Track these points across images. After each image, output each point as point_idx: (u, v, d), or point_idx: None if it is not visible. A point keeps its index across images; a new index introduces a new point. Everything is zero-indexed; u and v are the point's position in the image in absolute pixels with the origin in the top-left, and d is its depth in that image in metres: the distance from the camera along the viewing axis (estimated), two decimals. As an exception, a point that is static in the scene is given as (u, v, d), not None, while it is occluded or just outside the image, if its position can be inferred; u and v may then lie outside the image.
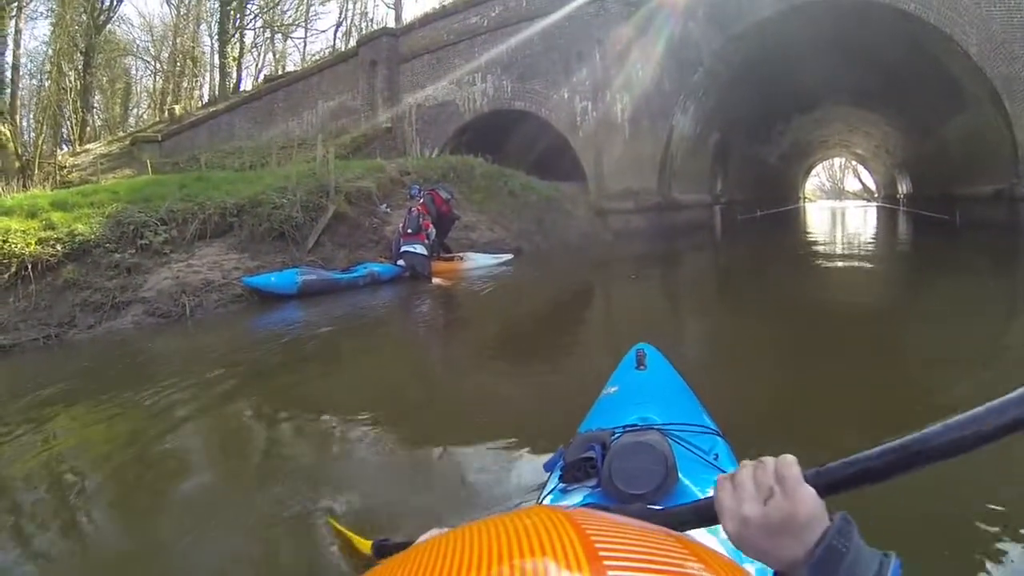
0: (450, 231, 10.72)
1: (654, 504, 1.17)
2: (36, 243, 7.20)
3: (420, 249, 9.27)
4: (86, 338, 6.63)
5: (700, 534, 0.77)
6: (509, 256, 11.20)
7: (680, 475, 1.28)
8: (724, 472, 1.16)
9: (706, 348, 5.31)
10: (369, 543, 1.84)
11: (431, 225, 9.54)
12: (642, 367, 2.11)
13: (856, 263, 10.40)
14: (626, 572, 0.44)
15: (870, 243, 15.00)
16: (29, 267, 6.97)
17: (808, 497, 0.64)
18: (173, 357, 5.85)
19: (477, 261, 10.58)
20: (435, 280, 9.11)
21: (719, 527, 0.72)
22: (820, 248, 13.63)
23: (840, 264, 10.46)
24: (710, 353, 5.05)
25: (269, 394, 4.26)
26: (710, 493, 1.10)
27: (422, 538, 0.64)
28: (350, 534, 2.05)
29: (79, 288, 7.11)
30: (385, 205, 11.04)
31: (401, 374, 4.94)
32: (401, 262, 9.34)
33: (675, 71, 15.39)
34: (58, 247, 7.33)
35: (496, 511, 2.31)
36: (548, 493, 1.43)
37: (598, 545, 0.47)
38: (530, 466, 2.67)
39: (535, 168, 16.64)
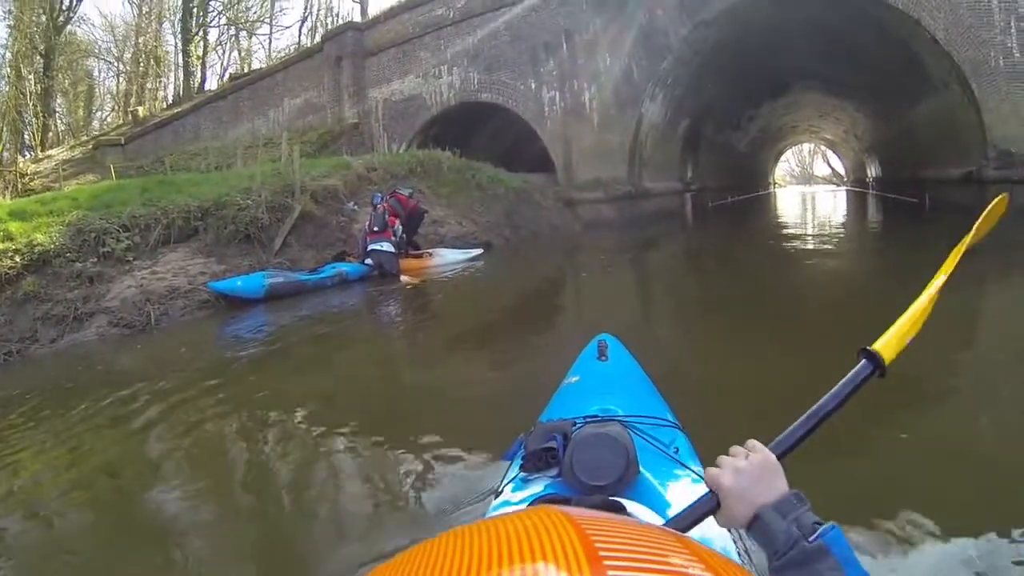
0: (420, 227, 10.69)
1: (615, 495, 1.19)
2: (-7, 256, 7.06)
3: (387, 247, 9.23)
4: (48, 353, 6.49)
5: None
6: (478, 251, 11.16)
7: (641, 467, 1.29)
8: (684, 465, 1.47)
9: (669, 340, 5.33)
10: None
11: (397, 222, 9.51)
12: (604, 358, 2.11)
13: (826, 248, 10.45)
14: (626, 572, 0.44)
15: (840, 227, 15.01)
16: (-13, 281, 6.82)
17: (772, 455, 0.91)
18: (138, 369, 5.70)
19: (446, 257, 10.54)
20: (403, 278, 9.05)
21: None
22: (790, 233, 13.65)
23: (810, 249, 10.51)
24: (673, 345, 5.08)
25: (234, 401, 4.20)
26: (670, 487, 1.35)
27: None
28: None
29: (40, 301, 6.96)
30: (352, 203, 10.96)
31: (367, 374, 4.94)
32: (369, 260, 9.29)
33: (644, 59, 15.35)
34: (16, 259, 7.15)
35: (456, 503, 2.43)
36: (508, 482, 1.44)
37: (598, 545, 0.47)
38: (491, 456, 2.73)
39: (504, 160, 16.63)
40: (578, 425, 1.44)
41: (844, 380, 1.06)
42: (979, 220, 1.69)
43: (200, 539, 2.43)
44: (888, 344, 1.12)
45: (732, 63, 16.66)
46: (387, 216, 9.32)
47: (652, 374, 2.14)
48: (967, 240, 1.59)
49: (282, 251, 9.33)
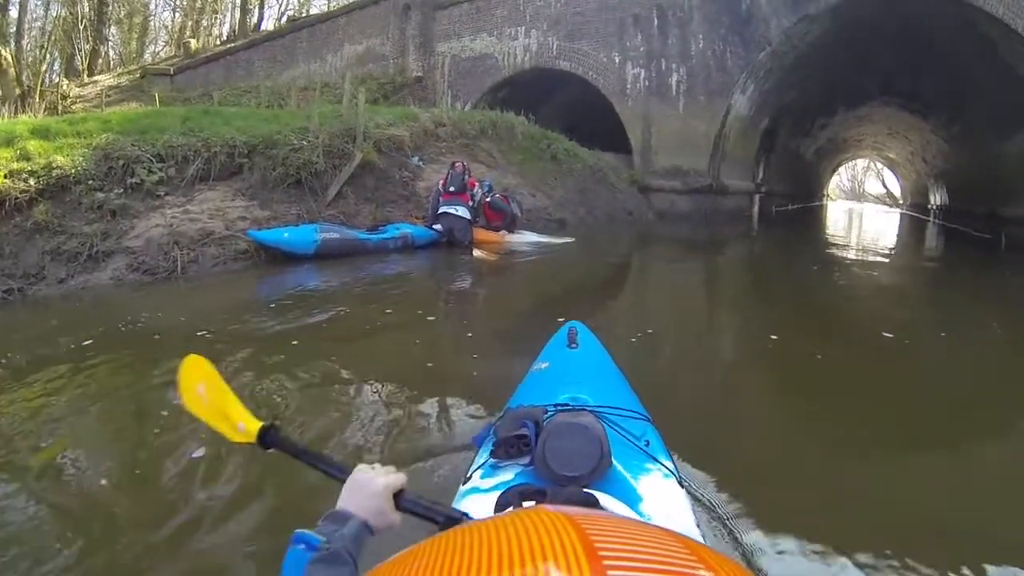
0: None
1: (587, 487, 1.18)
2: (4, 176, 5.90)
3: (462, 212, 7.92)
4: (55, 294, 5.46)
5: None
6: (569, 239, 9.45)
7: (612, 460, 1.28)
8: (655, 459, 1.50)
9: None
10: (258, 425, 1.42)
11: (477, 185, 8.16)
12: (574, 345, 2.09)
13: (893, 283, 8.97)
14: (626, 572, 0.43)
15: (908, 255, 13.84)
16: (-6, 205, 5.71)
17: None
18: (160, 323, 4.67)
19: (527, 237, 9.00)
20: (476, 252, 7.69)
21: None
22: (853, 257, 12.17)
23: (877, 276, 9.27)
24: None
25: (267, 371, 3.46)
26: (642, 480, 1.37)
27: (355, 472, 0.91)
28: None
29: (52, 232, 5.86)
30: (418, 157, 9.66)
31: (410, 368, 3.77)
32: (438, 226, 8.00)
33: (740, 46, 13.95)
34: (31, 182, 6.02)
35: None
36: (477, 468, 1.43)
37: (598, 545, 0.46)
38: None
39: (573, 133, 15.24)
40: (550, 413, 1.43)
41: None
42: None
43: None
44: None
45: (823, 64, 15.21)
46: (466, 177, 7.97)
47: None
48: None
49: (335, 202, 8.08)
